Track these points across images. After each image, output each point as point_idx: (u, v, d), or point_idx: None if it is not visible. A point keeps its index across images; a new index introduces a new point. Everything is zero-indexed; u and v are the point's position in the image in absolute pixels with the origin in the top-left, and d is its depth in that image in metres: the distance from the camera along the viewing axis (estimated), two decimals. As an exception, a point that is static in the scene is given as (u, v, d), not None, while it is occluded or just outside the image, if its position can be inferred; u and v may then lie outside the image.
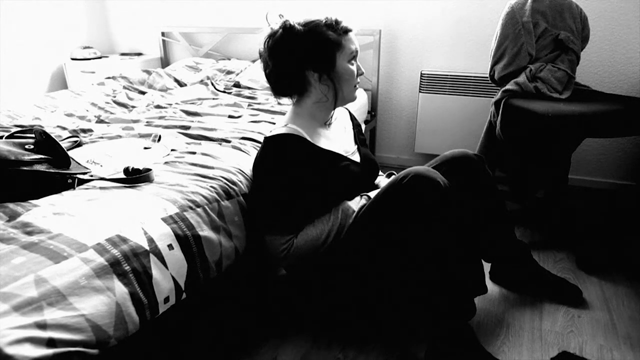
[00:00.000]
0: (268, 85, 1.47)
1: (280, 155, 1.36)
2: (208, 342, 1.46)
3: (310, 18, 1.37)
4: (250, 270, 1.61)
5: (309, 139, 1.40)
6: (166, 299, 1.12)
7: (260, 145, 1.64)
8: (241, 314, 1.60)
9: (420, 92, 2.78)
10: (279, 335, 1.50)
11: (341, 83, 1.41)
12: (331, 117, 1.52)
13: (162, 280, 1.10)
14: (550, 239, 2.09)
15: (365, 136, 1.85)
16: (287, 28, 1.36)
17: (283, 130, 1.38)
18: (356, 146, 1.60)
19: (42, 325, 0.83)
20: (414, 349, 1.44)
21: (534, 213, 2.34)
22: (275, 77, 1.42)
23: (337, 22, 1.38)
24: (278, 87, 1.44)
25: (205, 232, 1.24)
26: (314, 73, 1.38)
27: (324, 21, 1.36)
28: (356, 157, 1.55)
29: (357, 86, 1.47)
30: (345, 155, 1.49)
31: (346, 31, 1.39)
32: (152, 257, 1.08)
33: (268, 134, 1.43)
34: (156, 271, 1.08)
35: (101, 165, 1.44)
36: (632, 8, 2.35)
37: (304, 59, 1.37)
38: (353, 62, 1.42)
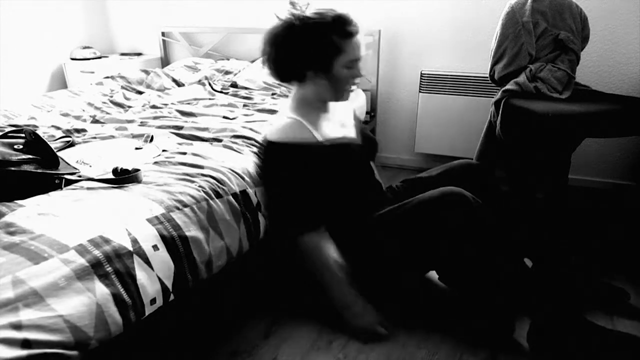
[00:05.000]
0: (264, 85, 1.49)
1: (281, 164, 1.45)
2: (208, 341, 1.45)
3: (321, 11, 1.39)
4: (250, 270, 1.60)
5: (308, 126, 1.45)
6: (153, 301, 1.10)
7: (257, 145, 1.67)
8: (241, 314, 1.58)
9: (420, 92, 2.77)
10: (279, 335, 1.49)
11: (332, 84, 1.46)
12: (326, 107, 1.56)
13: (148, 282, 1.08)
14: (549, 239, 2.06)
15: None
16: (292, 23, 1.39)
17: (285, 122, 1.46)
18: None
19: (17, 326, 0.82)
20: (413, 349, 1.43)
21: (534, 213, 2.31)
22: (275, 65, 1.47)
23: (346, 22, 1.39)
24: (278, 74, 1.49)
25: (192, 232, 1.23)
26: (310, 70, 1.44)
27: (332, 19, 1.37)
28: (353, 134, 1.63)
29: (353, 87, 1.52)
30: (343, 136, 1.56)
31: (352, 34, 1.39)
32: (136, 258, 1.06)
33: (269, 129, 1.52)
34: (141, 272, 1.07)
35: (90, 166, 1.43)
36: (632, 8, 2.33)
37: (303, 59, 1.41)
38: (353, 66, 1.45)
